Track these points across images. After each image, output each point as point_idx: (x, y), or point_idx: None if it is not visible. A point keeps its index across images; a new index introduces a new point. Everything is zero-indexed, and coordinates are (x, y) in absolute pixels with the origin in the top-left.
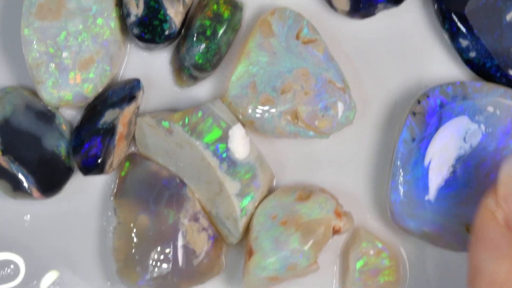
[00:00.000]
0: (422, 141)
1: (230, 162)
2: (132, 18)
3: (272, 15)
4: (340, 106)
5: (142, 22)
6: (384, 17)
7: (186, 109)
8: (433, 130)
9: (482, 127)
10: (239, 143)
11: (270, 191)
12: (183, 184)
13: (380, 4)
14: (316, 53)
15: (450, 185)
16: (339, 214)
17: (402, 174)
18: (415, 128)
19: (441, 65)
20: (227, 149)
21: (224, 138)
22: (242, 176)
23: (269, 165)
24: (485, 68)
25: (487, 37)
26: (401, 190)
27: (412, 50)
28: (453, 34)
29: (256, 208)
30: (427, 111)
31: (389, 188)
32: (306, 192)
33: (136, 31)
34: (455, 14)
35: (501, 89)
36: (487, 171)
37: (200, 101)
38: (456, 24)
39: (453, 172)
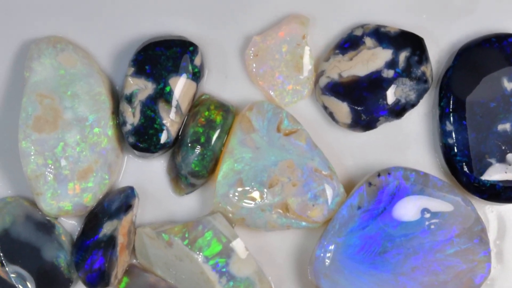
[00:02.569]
0: (366, 213)
1: (229, 277)
2: (128, 127)
3: (251, 110)
4: (329, 193)
5: (137, 131)
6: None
7: (187, 222)
8: (380, 207)
9: (427, 223)
10: (239, 259)
11: None
12: None
13: (381, 117)
14: (299, 143)
15: (374, 264)
16: None
17: (335, 234)
18: (365, 198)
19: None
20: (227, 264)
21: (224, 252)
22: None
23: (268, 279)
24: (455, 159)
25: (472, 133)
26: (328, 249)
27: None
28: (443, 115)
29: None
30: (382, 187)
31: (318, 243)
32: None
33: (131, 139)
34: (454, 97)
35: (459, 197)
36: (415, 266)
37: (199, 207)
38: (451, 106)
39: (383, 253)
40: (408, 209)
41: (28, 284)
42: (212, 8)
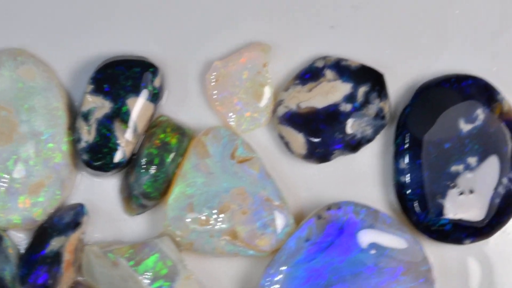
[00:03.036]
0: (313, 245)
1: None
2: (83, 144)
3: (206, 135)
4: (279, 224)
5: (92, 149)
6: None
7: (134, 244)
8: (328, 240)
9: (374, 260)
10: (184, 283)
11: None
12: None
13: (336, 151)
14: (252, 172)
15: None
16: None
17: (281, 264)
18: (314, 230)
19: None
20: (171, 287)
21: (168, 276)
22: None
23: None
24: (407, 198)
25: (426, 172)
26: (273, 279)
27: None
28: (398, 152)
29: None
30: (331, 220)
31: (264, 272)
32: None
33: (85, 157)
34: (411, 135)
35: (407, 235)
36: None
37: (148, 229)
38: (406, 144)
39: (327, 287)
40: (356, 244)
41: None
42: (175, 30)
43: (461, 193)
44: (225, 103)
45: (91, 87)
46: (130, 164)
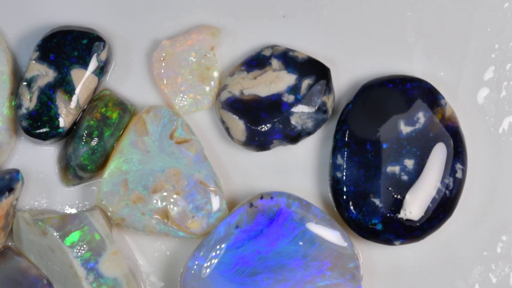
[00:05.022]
0: (242, 233)
1: (97, 275)
2: (23, 111)
3: (147, 113)
4: (211, 208)
5: (32, 116)
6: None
7: (64, 214)
8: (258, 229)
9: (301, 252)
10: (109, 258)
11: None
12: (50, 286)
13: (275, 140)
14: (189, 153)
15: (243, 284)
16: None
17: (209, 249)
18: (244, 218)
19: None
20: (96, 262)
21: (95, 250)
22: None
23: (138, 283)
24: (340, 193)
25: (361, 170)
26: (200, 262)
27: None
28: (336, 148)
29: None
30: (262, 210)
31: (191, 255)
32: None
33: (24, 124)
34: (350, 132)
35: (337, 231)
36: None
37: (82, 201)
38: (345, 140)
39: (253, 275)
40: (284, 235)
41: None
42: (126, 5)
43: (395, 195)
44: (169, 82)
45: (36, 54)
46: (70, 135)
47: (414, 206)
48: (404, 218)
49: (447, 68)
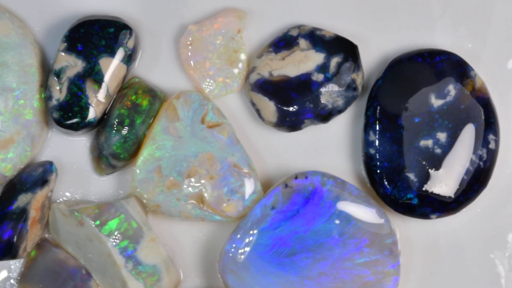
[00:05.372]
0: (278, 214)
1: (136, 262)
2: (54, 102)
3: (178, 98)
4: (246, 190)
5: (62, 107)
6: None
7: (100, 204)
8: (294, 209)
9: (338, 230)
10: (148, 245)
11: None
12: (88, 276)
13: (307, 120)
14: (221, 137)
15: (282, 265)
16: None
17: (246, 231)
18: (280, 199)
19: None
20: (135, 249)
21: (133, 238)
22: (147, 278)
23: (176, 269)
24: (374, 170)
25: (394, 145)
26: (238, 245)
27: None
28: (368, 124)
29: None
30: (297, 190)
31: (229, 238)
32: None
33: (55, 115)
34: (381, 108)
35: (373, 208)
36: (322, 271)
37: (116, 190)
38: (376, 116)
39: (291, 255)
40: (321, 214)
41: None
42: None
43: (429, 168)
44: (198, 67)
45: (64, 45)
46: (101, 124)
47: (449, 179)
48: (439, 192)
49: (475, 40)
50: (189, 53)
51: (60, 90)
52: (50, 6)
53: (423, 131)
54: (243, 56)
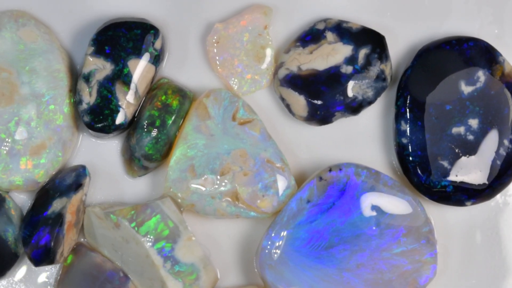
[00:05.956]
0: (314, 207)
1: (174, 262)
2: (84, 106)
3: (208, 97)
4: (280, 185)
5: (93, 111)
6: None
7: (136, 205)
8: (329, 202)
9: (375, 221)
10: (185, 245)
11: None
12: (126, 278)
13: (338, 113)
14: (253, 133)
15: (320, 258)
16: None
17: (282, 226)
18: (315, 192)
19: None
20: (172, 249)
21: (170, 237)
22: (185, 277)
23: (214, 267)
24: (408, 159)
25: (427, 134)
26: (274, 240)
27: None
28: (399, 114)
29: None
30: (332, 182)
31: (265, 233)
32: None
33: (86, 119)
34: (411, 97)
35: (409, 197)
36: (360, 263)
37: (150, 190)
38: (407, 106)
39: (329, 248)
40: (357, 206)
41: None
42: None
43: (462, 155)
44: (226, 65)
45: (92, 48)
46: (132, 126)
47: (482, 165)
48: (474, 178)
49: (502, 25)
50: (216, 51)
51: (90, 93)
52: (74, 11)
53: (455, 118)
54: (270, 52)
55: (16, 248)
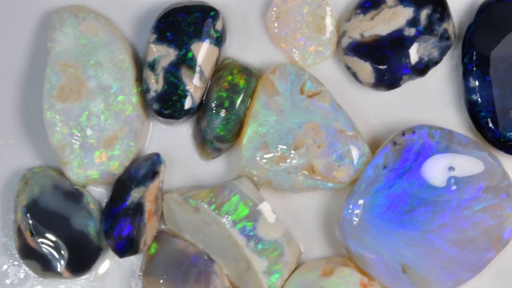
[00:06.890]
0: (391, 172)
1: (257, 240)
2: (152, 94)
3: (274, 73)
4: (355, 154)
5: (161, 98)
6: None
7: (213, 187)
8: (406, 166)
9: (453, 180)
10: (266, 222)
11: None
12: (211, 260)
13: (405, 76)
14: (323, 105)
15: (401, 222)
16: (365, 285)
17: (361, 194)
18: (390, 157)
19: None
20: (254, 227)
21: (251, 216)
22: (270, 254)
23: (296, 241)
24: (479, 115)
25: (496, 88)
26: (355, 209)
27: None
28: (467, 71)
29: (283, 286)
30: (407, 145)
31: (345, 203)
32: (329, 267)
33: (155, 106)
34: (477, 53)
35: (485, 153)
36: (442, 223)
37: (225, 172)
38: (474, 62)
39: (410, 212)
40: (434, 167)
41: (63, 253)
42: None
43: None
44: (288, 39)
45: (154, 36)
46: (201, 109)
47: None
48: None
49: None
50: (277, 27)
51: (157, 81)
52: (131, 1)
53: None
54: (331, 22)
55: (98, 241)
